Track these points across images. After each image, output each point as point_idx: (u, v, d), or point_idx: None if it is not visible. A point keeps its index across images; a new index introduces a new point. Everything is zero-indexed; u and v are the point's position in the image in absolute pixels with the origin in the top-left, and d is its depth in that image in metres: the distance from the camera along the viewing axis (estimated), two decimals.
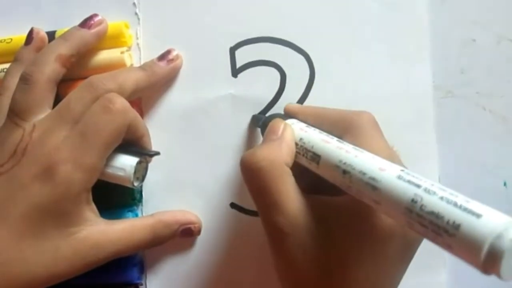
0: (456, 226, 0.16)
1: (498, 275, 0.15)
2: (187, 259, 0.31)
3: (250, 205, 0.30)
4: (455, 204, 0.16)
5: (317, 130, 0.24)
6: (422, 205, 0.17)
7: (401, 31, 0.30)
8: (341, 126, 0.24)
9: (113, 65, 0.30)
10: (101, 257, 0.26)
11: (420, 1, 0.31)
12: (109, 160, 0.26)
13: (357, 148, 0.21)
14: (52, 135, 0.25)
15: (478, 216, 0.16)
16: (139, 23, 0.32)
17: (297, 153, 0.24)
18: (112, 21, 0.30)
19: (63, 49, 0.28)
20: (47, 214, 0.25)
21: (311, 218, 0.22)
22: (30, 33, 0.30)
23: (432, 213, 0.17)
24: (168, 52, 0.30)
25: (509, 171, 0.30)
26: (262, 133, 0.28)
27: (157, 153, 0.29)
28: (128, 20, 0.32)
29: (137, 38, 0.32)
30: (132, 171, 0.27)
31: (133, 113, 0.27)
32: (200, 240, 0.31)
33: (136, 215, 0.30)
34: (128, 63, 0.30)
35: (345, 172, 0.20)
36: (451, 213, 0.16)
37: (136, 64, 0.31)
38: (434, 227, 0.17)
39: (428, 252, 0.24)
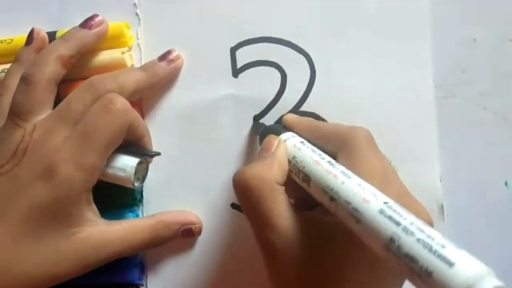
0: (429, 273, 0.16)
1: None
2: (188, 260, 0.31)
3: None
4: (430, 249, 0.16)
5: (311, 148, 0.24)
6: (399, 245, 0.17)
7: (402, 31, 0.30)
8: (335, 143, 0.24)
9: (114, 66, 0.30)
10: (101, 257, 0.26)
11: (421, 1, 0.31)
12: (110, 160, 0.26)
13: (346, 172, 0.21)
14: (53, 135, 0.26)
15: (451, 265, 0.15)
16: (139, 24, 0.32)
17: (290, 171, 0.24)
18: (112, 21, 0.30)
19: (63, 49, 0.28)
20: (48, 215, 0.25)
21: (302, 235, 0.22)
22: (31, 34, 0.30)
23: (407, 255, 0.17)
24: (169, 52, 0.30)
25: (510, 171, 0.30)
26: (261, 143, 0.28)
27: (158, 154, 0.29)
28: (129, 20, 0.32)
29: (138, 39, 0.32)
30: (133, 171, 0.27)
31: (134, 113, 0.27)
32: (201, 240, 0.31)
33: (137, 216, 0.30)
34: (128, 64, 0.30)
35: (332, 198, 0.20)
36: (425, 259, 0.16)
37: (137, 65, 0.31)
38: (409, 269, 0.16)
39: None
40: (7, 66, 0.30)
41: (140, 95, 0.30)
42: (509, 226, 0.30)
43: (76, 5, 0.32)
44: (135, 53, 0.31)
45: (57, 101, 0.28)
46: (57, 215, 0.25)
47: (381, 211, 0.18)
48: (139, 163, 0.27)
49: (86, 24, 0.29)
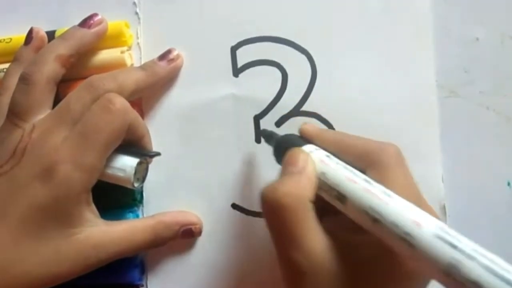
0: None
1: None
2: (188, 260, 0.30)
3: (251, 205, 0.30)
4: (495, 274, 0.16)
5: (340, 164, 0.22)
6: (461, 271, 0.16)
7: (404, 30, 0.30)
8: (364, 160, 0.23)
9: (113, 65, 0.30)
10: (102, 258, 0.26)
11: (423, 0, 0.30)
12: (109, 160, 0.26)
13: (387, 192, 0.20)
14: (52, 135, 0.25)
15: None
16: (139, 23, 0.32)
17: (319, 188, 0.23)
18: (112, 20, 0.30)
19: (62, 49, 0.28)
20: (47, 215, 0.25)
21: (332, 258, 0.21)
22: (30, 33, 0.30)
23: (471, 281, 0.16)
24: (169, 51, 0.30)
25: None
26: (276, 155, 0.27)
27: (158, 154, 0.29)
28: (128, 19, 0.31)
29: (137, 38, 0.31)
30: (133, 172, 0.26)
31: (134, 113, 0.26)
32: (201, 241, 0.30)
33: (137, 216, 0.30)
34: (128, 63, 0.30)
35: (375, 220, 0.19)
36: (491, 283, 0.16)
37: (137, 64, 0.31)
38: None
39: None
40: (6, 65, 0.30)
41: (139, 95, 0.30)
42: (511, 227, 0.30)
43: (75, 4, 0.32)
44: (135, 53, 0.31)
45: (56, 101, 0.27)
46: (56, 215, 0.25)
47: (437, 236, 0.17)
48: (139, 163, 0.27)
49: (85, 23, 0.29)
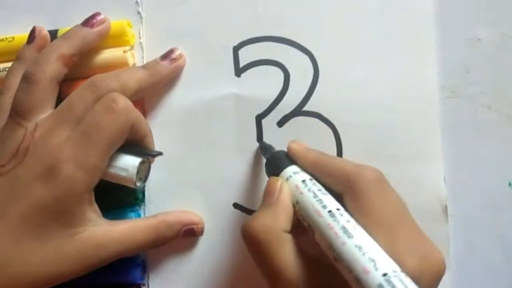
0: None
1: None
2: (190, 260, 0.31)
3: (253, 205, 0.30)
4: None
5: (312, 192, 0.23)
6: None
7: (405, 31, 0.30)
8: (342, 183, 0.23)
9: (116, 65, 0.30)
10: (104, 257, 0.26)
11: (425, 1, 0.30)
12: (112, 160, 0.26)
13: (347, 228, 0.21)
14: (55, 134, 0.25)
15: None
16: (141, 22, 0.32)
17: (296, 214, 0.24)
18: (114, 20, 0.30)
19: (65, 48, 0.28)
20: (49, 214, 0.25)
21: (311, 282, 0.22)
22: (32, 32, 0.30)
23: None
24: (171, 51, 0.30)
25: None
26: (267, 171, 0.28)
27: (160, 154, 0.29)
28: (131, 19, 0.31)
29: (140, 37, 0.31)
30: (135, 171, 0.26)
31: (136, 113, 0.26)
32: (203, 240, 0.30)
33: (139, 215, 0.30)
34: (130, 63, 0.30)
35: (335, 259, 0.21)
36: None
37: (139, 63, 0.31)
38: None
39: None
40: (8, 64, 0.30)
41: (142, 94, 0.30)
42: None
43: (78, 3, 0.32)
44: (137, 52, 0.31)
45: (59, 100, 0.27)
46: (58, 215, 0.25)
47: (380, 286, 0.18)
48: (141, 163, 0.27)
49: (88, 22, 0.29)
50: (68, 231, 0.25)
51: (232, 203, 0.30)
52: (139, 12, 0.32)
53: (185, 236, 0.29)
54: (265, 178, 0.30)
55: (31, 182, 0.25)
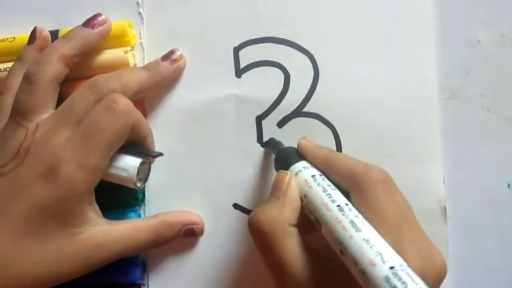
0: None
1: None
2: (190, 260, 0.31)
3: (253, 205, 0.30)
4: None
5: (322, 186, 0.23)
6: None
7: (405, 32, 0.30)
8: (348, 181, 0.24)
9: (117, 65, 0.30)
10: (104, 257, 0.26)
11: (425, 2, 0.30)
12: (112, 160, 0.26)
13: (355, 222, 0.21)
14: (55, 135, 0.25)
15: None
16: (142, 23, 0.32)
17: (303, 208, 0.24)
18: (115, 20, 0.30)
19: (66, 48, 0.28)
20: (50, 214, 0.25)
21: (315, 276, 0.22)
22: (33, 32, 0.30)
23: None
24: (172, 52, 0.30)
25: None
26: (275, 166, 0.28)
27: (160, 154, 0.29)
28: (132, 19, 0.31)
29: (141, 38, 0.32)
30: (135, 172, 0.26)
31: (137, 113, 0.26)
32: (203, 240, 0.31)
33: (139, 216, 0.30)
34: (131, 63, 0.30)
35: (342, 252, 0.21)
36: None
37: (140, 64, 0.31)
38: None
39: None
40: (9, 64, 0.30)
41: (143, 95, 0.30)
42: None
43: (79, 3, 0.32)
44: (138, 53, 0.31)
45: (60, 100, 0.27)
46: (59, 215, 0.25)
47: (386, 279, 0.18)
48: (142, 164, 0.27)
49: (89, 23, 0.29)
50: (68, 231, 0.25)
51: (232, 204, 0.31)
52: (140, 13, 0.32)
53: (185, 236, 0.30)
54: (265, 178, 0.30)
55: (32, 182, 0.25)
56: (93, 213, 0.26)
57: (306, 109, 0.30)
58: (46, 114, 0.27)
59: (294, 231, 0.23)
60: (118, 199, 0.30)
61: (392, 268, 0.19)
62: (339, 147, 0.30)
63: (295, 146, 0.27)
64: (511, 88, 0.30)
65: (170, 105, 0.31)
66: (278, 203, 0.24)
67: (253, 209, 0.30)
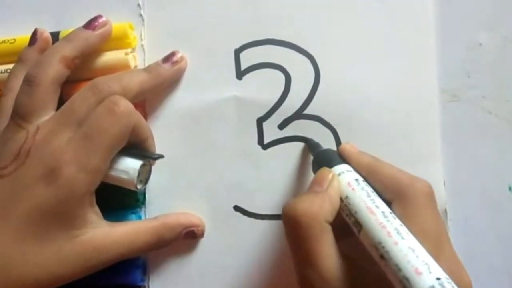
0: None
1: None
2: (190, 262, 0.31)
3: (253, 207, 0.30)
4: None
5: (366, 191, 0.23)
6: None
7: (406, 35, 0.30)
8: (393, 191, 0.23)
9: (117, 67, 0.30)
10: (104, 259, 0.26)
11: (425, 4, 0.30)
12: (113, 162, 0.26)
13: (400, 230, 0.21)
14: (56, 137, 0.25)
15: None
16: (143, 25, 0.32)
17: (341, 209, 0.23)
18: (116, 22, 0.30)
19: (67, 50, 0.28)
20: (51, 216, 0.25)
21: (345, 280, 0.21)
22: (34, 34, 0.30)
23: None
24: (173, 54, 0.30)
25: None
26: (313, 166, 0.28)
27: (161, 156, 0.29)
28: (133, 21, 0.32)
29: (142, 40, 0.32)
30: (136, 174, 0.26)
31: (138, 115, 0.27)
32: (203, 242, 0.30)
33: (140, 218, 0.30)
34: (132, 65, 0.30)
35: (382, 257, 0.20)
36: None
37: (141, 66, 0.31)
38: None
39: None
40: (10, 66, 0.30)
41: (143, 97, 0.30)
42: None
43: (79, 5, 0.32)
44: (139, 54, 0.31)
45: (61, 102, 0.27)
46: (59, 216, 0.25)
47: None
48: (142, 166, 0.27)
49: (90, 25, 0.29)
50: (69, 233, 0.25)
51: (232, 206, 0.30)
52: (141, 15, 0.32)
53: (186, 238, 0.30)
54: (266, 180, 0.30)
55: (33, 184, 0.25)
56: (94, 215, 0.26)
57: (307, 111, 0.30)
58: (47, 116, 0.27)
59: (330, 228, 0.22)
60: (118, 201, 0.30)
61: (438, 279, 0.18)
62: None
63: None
64: None
65: (171, 107, 0.31)
66: (317, 198, 0.23)
67: (253, 211, 0.30)
